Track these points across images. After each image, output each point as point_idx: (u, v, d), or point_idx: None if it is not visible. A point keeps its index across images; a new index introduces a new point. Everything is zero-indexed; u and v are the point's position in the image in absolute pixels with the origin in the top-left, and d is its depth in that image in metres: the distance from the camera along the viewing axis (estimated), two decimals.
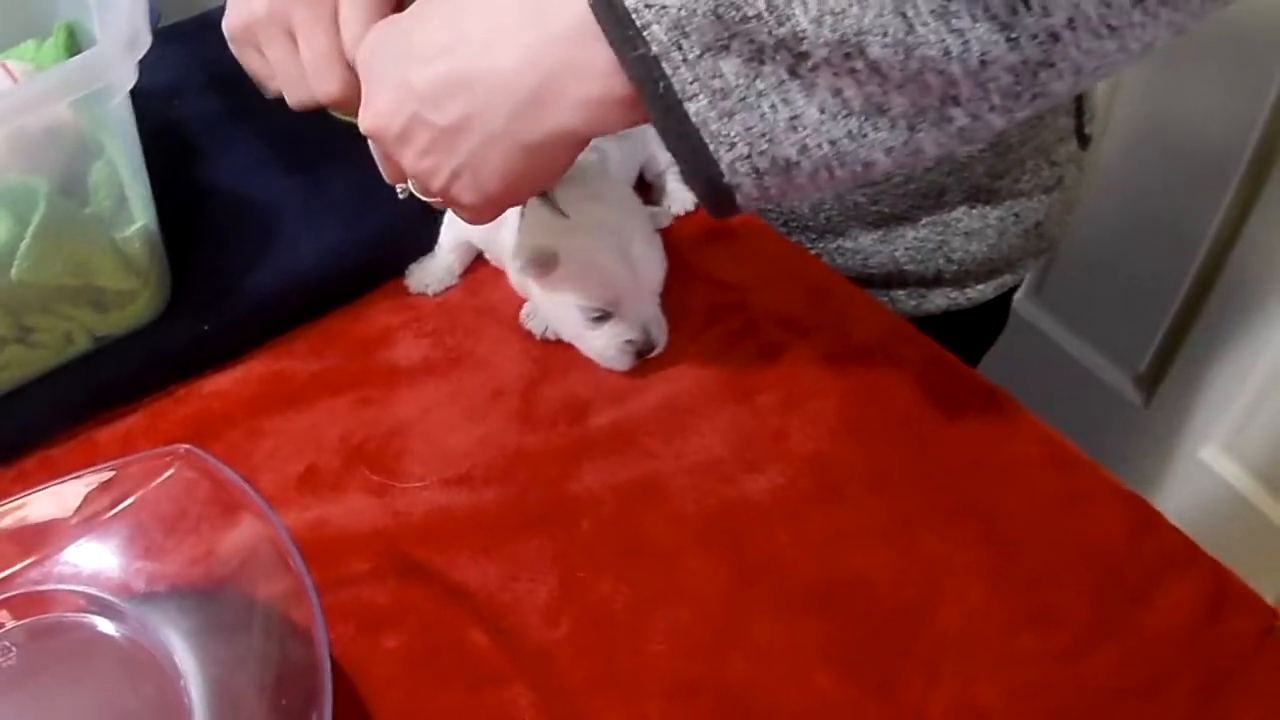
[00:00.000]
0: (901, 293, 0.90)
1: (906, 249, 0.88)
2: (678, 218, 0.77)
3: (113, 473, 0.56)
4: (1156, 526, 0.63)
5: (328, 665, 0.48)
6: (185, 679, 0.52)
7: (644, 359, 0.68)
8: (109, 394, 0.69)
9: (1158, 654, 0.57)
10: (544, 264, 0.66)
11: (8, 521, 0.56)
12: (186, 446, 0.53)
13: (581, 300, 0.67)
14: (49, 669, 0.56)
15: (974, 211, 0.87)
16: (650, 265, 0.68)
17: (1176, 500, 1.46)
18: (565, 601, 0.58)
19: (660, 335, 0.69)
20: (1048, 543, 0.62)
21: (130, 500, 0.55)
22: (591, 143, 0.59)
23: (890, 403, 0.68)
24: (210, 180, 0.82)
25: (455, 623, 0.58)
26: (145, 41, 0.63)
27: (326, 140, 0.80)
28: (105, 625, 0.55)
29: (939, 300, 0.91)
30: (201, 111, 0.87)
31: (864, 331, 0.72)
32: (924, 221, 0.86)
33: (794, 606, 0.58)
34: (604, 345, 0.68)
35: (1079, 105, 0.88)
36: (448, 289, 0.74)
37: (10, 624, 0.55)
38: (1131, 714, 0.55)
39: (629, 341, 0.68)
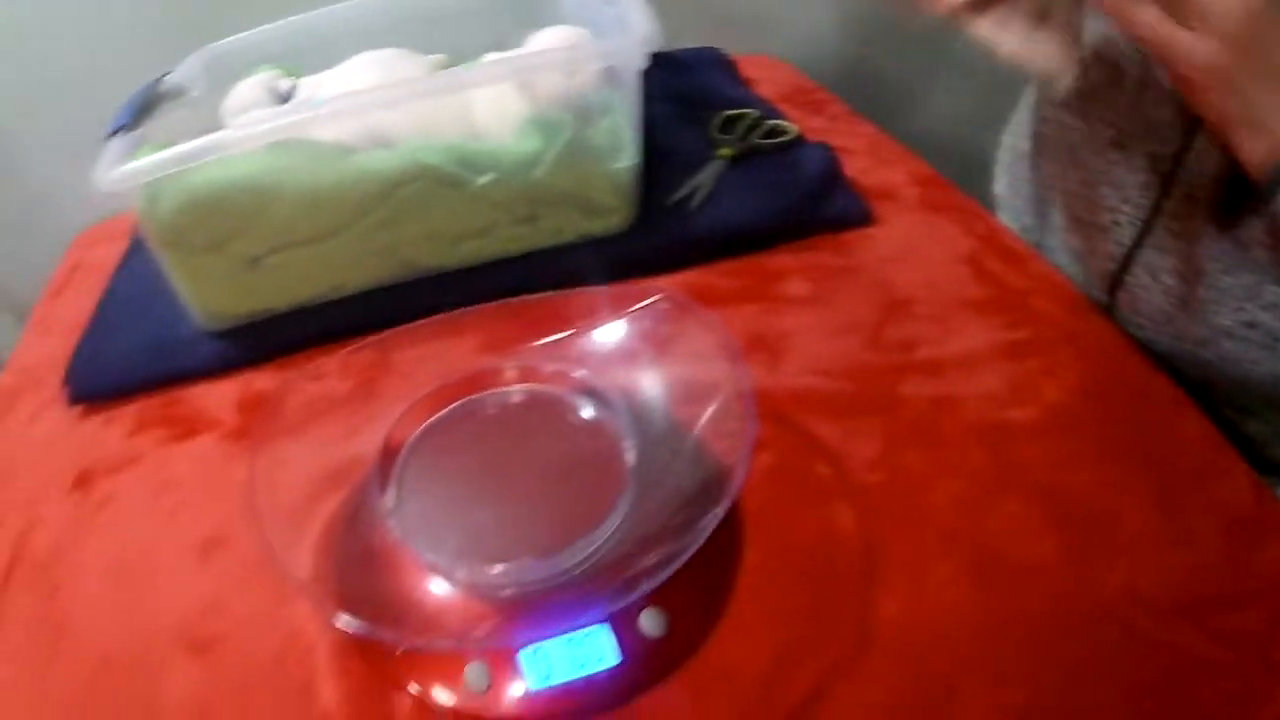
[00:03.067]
0: None
1: None
2: None
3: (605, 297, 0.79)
4: None
5: (736, 485, 0.64)
6: (626, 449, 0.71)
7: None
8: (578, 278, 0.85)
9: None
10: None
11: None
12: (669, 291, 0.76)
13: None
14: (535, 416, 0.76)
15: None
16: None
17: None
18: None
19: None
20: None
21: (620, 321, 0.78)
22: None
23: None
24: (676, 151, 1.12)
25: (808, 455, 0.78)
26: (655, 39, 0.89)
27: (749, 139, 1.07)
28: (580, 401, 0.75)
29: None
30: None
31: None
32: None
33: None
34: None
35: None
36: None
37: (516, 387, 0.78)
38: None
39: None
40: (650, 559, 0.63)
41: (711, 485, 0.66)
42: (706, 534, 0.61)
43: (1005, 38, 0.69)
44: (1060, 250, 1.00)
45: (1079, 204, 0.93)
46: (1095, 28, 0.83)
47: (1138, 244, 0.87)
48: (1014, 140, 1.11)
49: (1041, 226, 1.03)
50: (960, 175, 1.12)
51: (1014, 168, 1.11)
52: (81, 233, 1.43)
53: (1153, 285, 0.86)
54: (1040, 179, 1.02)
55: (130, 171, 0.89)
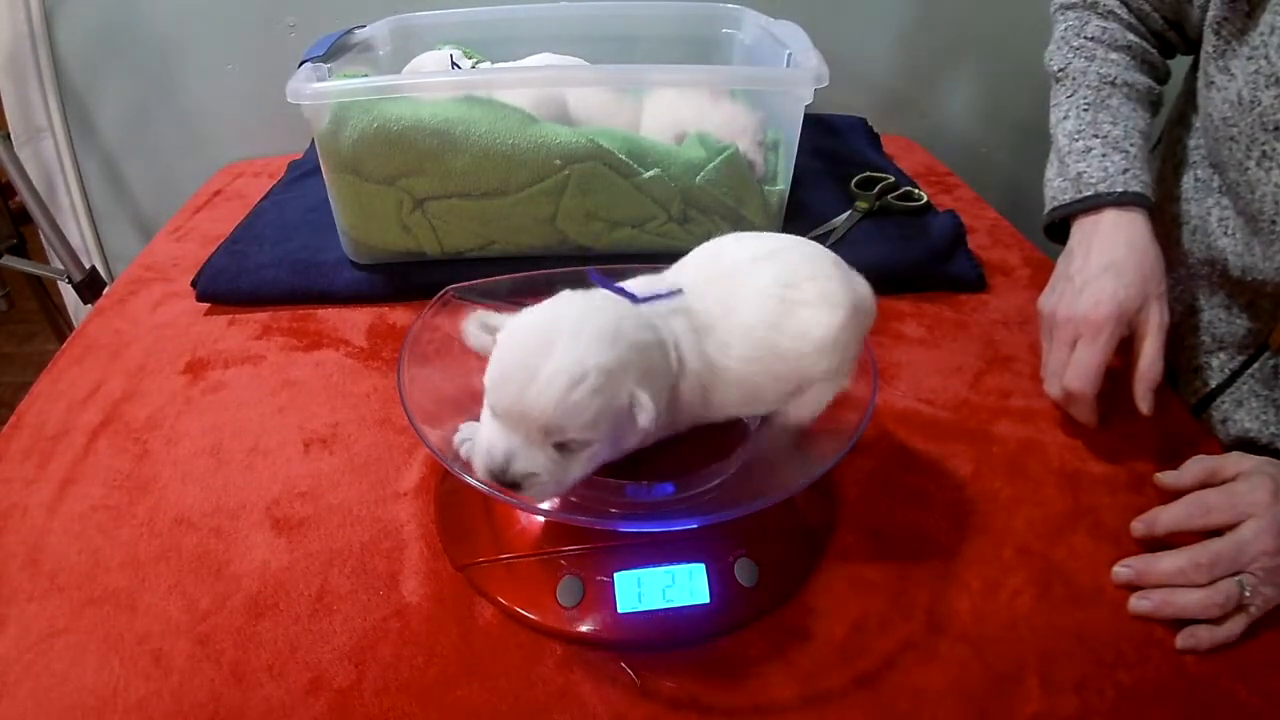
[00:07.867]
0: None
1: None
2: None
3: None
4: None
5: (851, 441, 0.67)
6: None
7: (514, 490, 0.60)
8: None
9: None
10: (486, 329, 0.70)
11: None
12: None
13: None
14: None
15: None
16: (541, 397, 0.57)
17: None
18: None
19: (523, 476, 0.59)
20: None
21: None
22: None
23: None
24: (817, 198, 1.20)
25: (906, 464, 0.83)
26: (825, 78, 0.96)
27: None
28: None
29: None
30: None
31: None
32: None
33: None
34: (477, 441, 0.62)
35: None
36: None
37: None
38: None
39: (478, 450, 0.61)
40: (753, 505, 0.65)
41: (815, 459, 0.70)
42: (806, 485, 0.67)
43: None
44: None
45: (1175, 342, 0.98)
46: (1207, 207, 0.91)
47: (1217, 394, 0.94)
48: None
49: None
50: None
51: None
52: (225, 166, 1.51)
53: (1221, 429, 0.94)
54: None
55: (325, 89, 0.95)
